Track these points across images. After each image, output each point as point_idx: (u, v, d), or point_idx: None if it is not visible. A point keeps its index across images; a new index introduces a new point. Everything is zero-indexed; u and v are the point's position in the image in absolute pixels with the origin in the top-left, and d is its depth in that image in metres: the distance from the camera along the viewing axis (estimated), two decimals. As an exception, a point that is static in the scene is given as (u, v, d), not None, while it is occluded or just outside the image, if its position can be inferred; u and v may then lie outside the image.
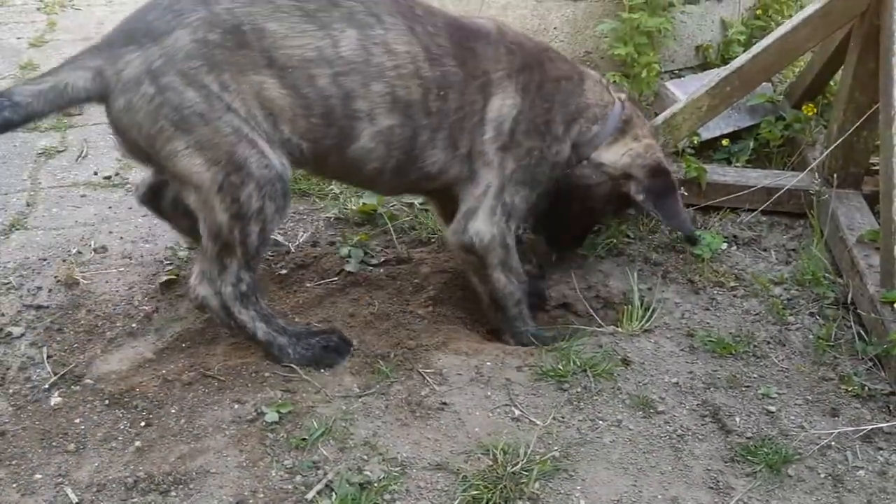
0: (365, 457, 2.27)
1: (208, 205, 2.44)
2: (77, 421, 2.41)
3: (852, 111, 3.31)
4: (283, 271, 3.13)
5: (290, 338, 2.61)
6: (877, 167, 3.22)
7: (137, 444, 2.33)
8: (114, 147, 3.80)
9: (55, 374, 2.59)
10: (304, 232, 3.35)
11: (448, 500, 2.16)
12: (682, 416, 2.48)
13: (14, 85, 2.36)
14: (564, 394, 2.53)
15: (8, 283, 3.00)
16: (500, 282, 2.80)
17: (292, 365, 2.58)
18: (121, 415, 2.43)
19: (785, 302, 3.02)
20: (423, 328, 2.83)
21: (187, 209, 2.56)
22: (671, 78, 4.19)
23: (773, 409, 2.53)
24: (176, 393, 2.50)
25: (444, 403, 2.46)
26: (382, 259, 3.22)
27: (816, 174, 3.44)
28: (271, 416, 2.38)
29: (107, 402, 2.48)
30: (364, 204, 3.44)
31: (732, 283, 3.12)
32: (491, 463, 2.25)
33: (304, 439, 2.31)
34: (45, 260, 3.14)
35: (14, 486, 2.20)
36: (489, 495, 2.15)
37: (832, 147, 3.36)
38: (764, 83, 3.82)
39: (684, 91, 3.75)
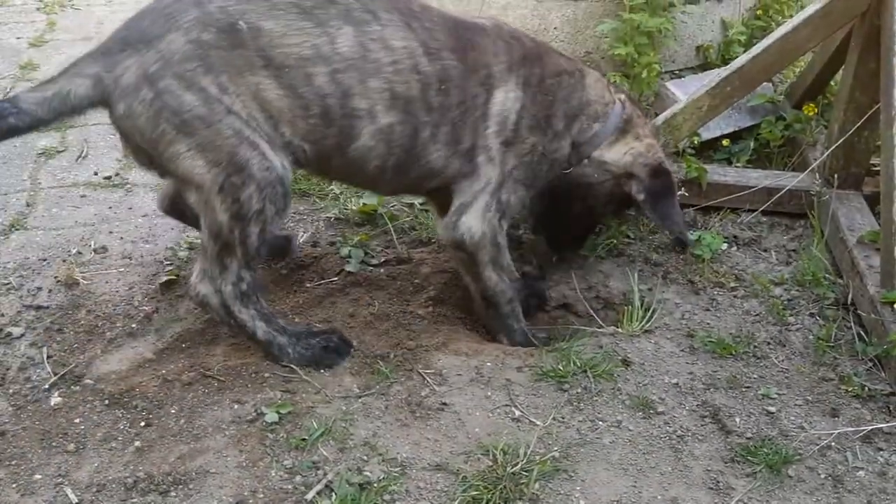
0: (365, 457, 2.27)
1: (209, 205, 2.45)
2: (77, 421, 2.41)
3: (853, 111, 3.30)
4: (284, 271, 3.13)
5: (289, 337, 2.61)
6: (877, 168, 3.22)
7: (137, 444, 2.33)
8: (114, 147, 3.83)
9: (55, 374, 2.59)
10: (304, 232, 3.35)
11: (448, 500, 2.16)
12: (682, 416, 2.48)
13: (20, 93, 2.39)
14: (564, 394, 2.52)
15: (8, 284, 3.00)
16: (492, 280, 2.79)
17: (292, 365, 2.59)
18: (121, 415, 2.43)
19: (785, 302, 3.02)
20: (423, 328, 2.83)
21: None
22: (672, 78, 4.19)
23: (773, 409, 2.53)
24: (176, 393, 2.50)
25: (444, 404, 2.46)
26: (383, 259, 3.22)
27: (817, 175, 3.43)
28: (271, 416, 2.38)
29: (107, 402, 2.48)
30: (364, 204, 3.44)
31: (733, 284, 3.12)
32: (491, 463, 2.25)
33: (303, 440, 2.31)
34: (45, 260, 3.14)
35: (14, 486, 2.20)
36: (489, 496, 2.15)
37: (833, 147, 3.36)
38: (764, 83, 3.82)
39: (685, 91, 3.75)
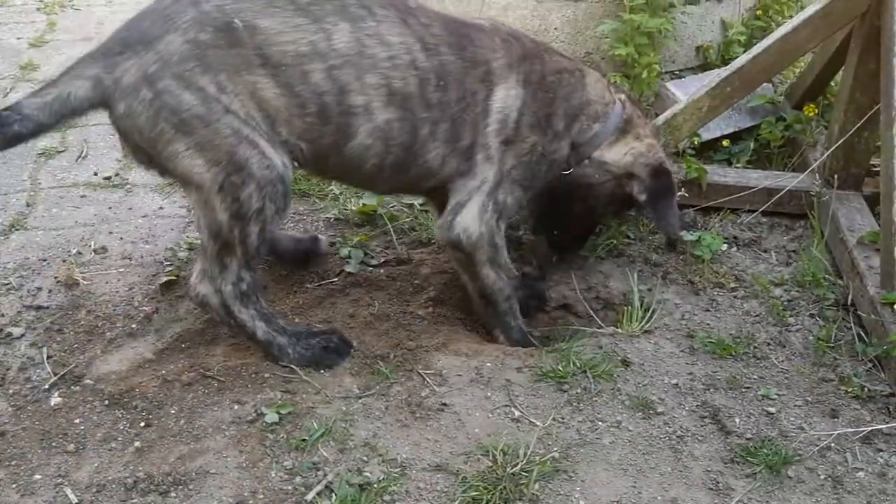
0: (365, 458, 2.27)
1: (209, 204, 2.45)
2: (77, 421, 2.42)
3: (853, 112, 3.30)
4: (284, 272, 3.13)
5: (289, 337, 2.61)
6: (877, 168, 3.22)
7: (137, 444, 2.33)
8: (114, 147, 3.83)
9: (55, 374, 2.59)
10: (304, 233, 3.34)
11: (448, 501, 2.16)
12: (681, 417, 2.48)
13: (21, 99, 2.41)
14: (564, 395, 2.52)
15: (8, 284, 3.00)
16: (490, 278, 2.78)
17: (292, 365, 2.59)
18: (120, 415, 2.44)
19: (785, 303, 3.02)
20: (423, 329, 2.83)
21: None
22: (672, 78, 4.19)
23: (772, 410, 2.53)
24: (176, 393, 2.50)
25: (444, 404, 2.46)
26: (382, 260, 3.22)
27: (817, 175, 3.43)
28: (271, 416, 2.38)
29: (106, 402, 2.48)
30: (364, 205, 3.44)
31: (733, 285, 3.12)
32: (491, 464, 2.25)
33: (303, 440, 2.31)
34: (44, 260, 3.14)
35: (14, 486, 2.20)
36: (489, 496, 2.15)
37: (833, 148, 3.36)
38: (764, 84, 3.81)
39: (685, 92, 3.75)
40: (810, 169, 3.47)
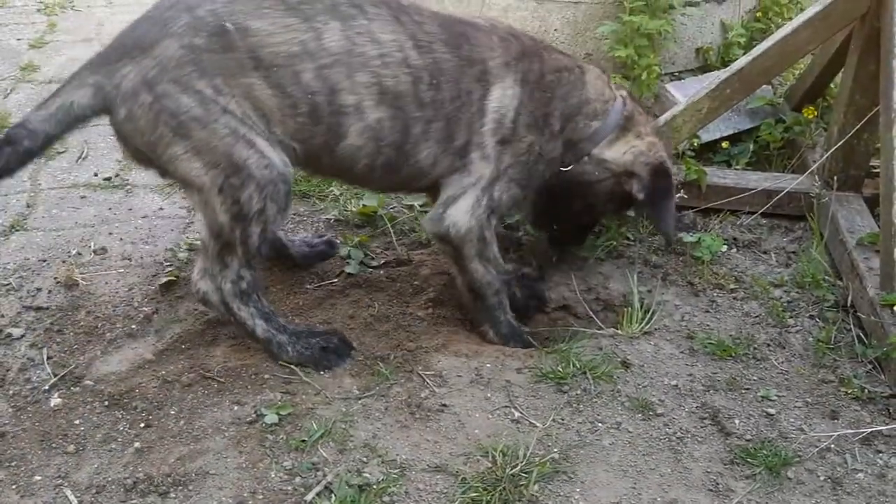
0: (364, 458, 2.27)
1: (209, 205, 2.46)
2: (77, 422, 2.42)
3: (853, 114, 3.30)
4: (283, 273, 3.13)
5: (289, 336, 2.62)
6: (877, 170, 3.22)
7: (137, 445, 2.33)
8: (114, 148, 3.83)
9: (55, 375, 2.59)
10: (304, 233, 3.34)
11: (447, 502, 2.16)
12: (681, 418, 2.48)
13: (26, 115, 2.45)
14: (564, 396, 2.52)
15: (8, 285, 3.00)
16: (479, 272, 2.77)
17: (291, 364, 2.59)
18: (120, 416, 2.44)
19: (785, 304, 3.02)
20: (423, 330, 2.83)
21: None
22: (671, 80, 4.19)
23: (772, 411, 2.53)
24: (175, 394, 2.50)
25: (444, 405, 2.46)
26: (382, 261, 3.22)
27: (816, 177, 3.44)
28: (271, 417, 2.38)
29: (106, 403, 2.48)
30: (364, 206, 3.44)
31: (732, 286, 3.12)
32: (490, 465, 2.25)
33: (303, 441, 2.31)
34: (44, 261, 3.14)
35: (13, 487, 2.20)
36: (488, 497, 2.15)
37: (832, 150, 3.36)
38: (764, 86, 3.82)
39: (684, 93, 3.75)
40: (810, 170, 3.47)
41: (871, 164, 3.41)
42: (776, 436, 2.44)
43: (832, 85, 3.82)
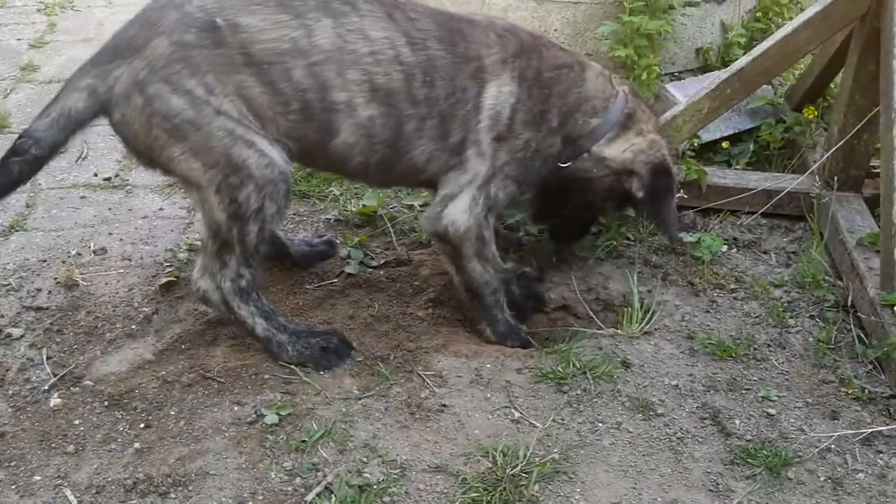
0: (364, 459, 2.27)
1: (208, 203, 2.47)
2: (76, 422, 2.41)
3: (853, 114, 3.30)
4: (283, 273, 3.12)
5: (289, 335, 2.62)
6: (877, 170, 3.22)
7: (137, 445, 2.33)
8: (114, 148, 3.83)
9: (55, 375, 2.59)
10: (304, 233, 3.34)
11: (447, 502, 2.16)
12: (681, 418, 2.48)
13: (30, 124, 2.47)
14: (564, 396, 2.52)
15: (7, 285, 3.00)
16: (476, 271, 2.76)
17: (291, 364, 2.59)
18: (120, 416, 2.43)
19: (785, 304, 3.02)
20: (423, 330, 2.83)
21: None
22: (671, 80, 4.19)
23: (772, 411, 2.53)
24: (175, 395, 2.50)
25: (444, 405, 2.46)
26: (382, 261, 3.22)
27: (817, 177, 3.43)
28: (271, 418, 2.38)
29: (106, 403, 2.48)
30: (364, 206, 3.44)
31: (732, 286, 3.12)
32: (490, 465, 2.25)
33: (303, 441, 2.31)
34: (44, 261, 3.14)
35: (13, 487, 2.20)
36: (489, 497, 2.15)
37: (833, 150, 3.36)
38: (764, 86, 3.82)
39: (684, 93, 3.75)
40: (810, 171, 3.47)
41: (871, 164, 3.41)
42: (776, 436, 2.44)
43: (832, 85, 3.82)
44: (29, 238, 3.29)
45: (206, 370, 2.59)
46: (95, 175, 3.76)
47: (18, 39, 5.35)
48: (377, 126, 2.52)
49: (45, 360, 2.66)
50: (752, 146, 3.81)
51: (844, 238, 3.11)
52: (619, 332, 2.83)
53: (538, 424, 2.41)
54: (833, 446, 2.40)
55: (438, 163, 2.63)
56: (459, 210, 2.64)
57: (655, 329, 2.86)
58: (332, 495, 2.15)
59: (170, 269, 3.10)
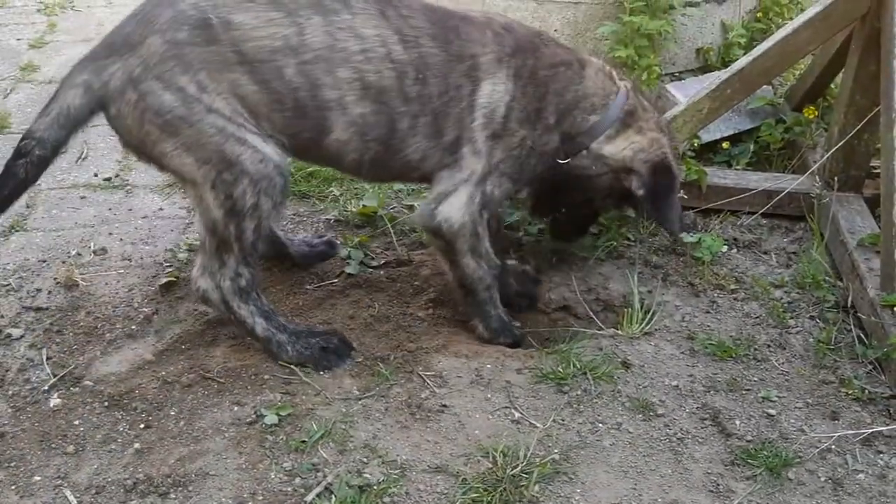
0: (364, 459, 2.27)
1: (203, 201, 2.48)
2: (76, 423, 2.41)
3: (853, 114, 3.30)
4: (283, 273, 3.12)
5: (289, 335, 2.62)
6: (878, 170, 3.22)
7: (137, 445, 2.33)
8: (114, 149, 3.83)
9: (54, 375, 2.59)
10: (304, 234, 3.34)
11: (448, 502, 2.16)
12: (682, 419, 2.48)
13: (31, 125, 2.48)
14: (564, 396, 2.52)
15: (7, 285, 3.00)
16: (470, 267, 2.75)
17: (290, 364, 2.59)
18: (120, 416, 2.43)
19: (785, 305, 3.02)
20: (423, 330, 2.83)
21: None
22: (672, 80, 4.19)
23: (773, 412, 2.53)
24: (175, 395, 2.50)
25: (444, 406, 2.46)
26: (382, 261, 3.22)
27: (817, 177, 3.43)
28: (271, 418, 2.38)
29: (106, 403, 2.48)
30: (364, 206, 3.44)
31: (733, 287, 3.12)
32: (491, 465, 2.25)
33: (303, 442, 2.31)
34: (44, 262, 3.14)
35: (13, 487, 2.20)
36: (489, 498, 2.15)
37: (833, 150, 3.36)
38: (764, 86, 3.82)
39: (685, 93, 3.75)
40: (810, 171, 3.47)
41: (871, 164, 3.41)
42: (777, 436, 2.44)
43: (833, 85, 3.82)
44: (29, 238, 3.29)
45: (206, 370, 2.59)
46: (95, 175, 3.76)
47: (18, 39, 5.36)
48: (369, 123, 2.53)
49: (44, 360, 2.66)
50: (752, 146, 3.81)
51: (845, 238, 3.11)
52: (620, 332, 2.83)
53: (538, 425, 2.41)
54: (833, 447, 2.40)
55: (433, 160, 2.63)
56: (454, 207, 2.63)
57: (656, 329, 2.86)
58: (332, 496, 2.15)
59: (170, 270, 3.10)
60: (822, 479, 2.31)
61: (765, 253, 3.33)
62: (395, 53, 2.49)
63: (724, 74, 3.41)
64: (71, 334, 2.78)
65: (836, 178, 3.35)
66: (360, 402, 2.47)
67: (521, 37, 2.69)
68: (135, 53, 2.37)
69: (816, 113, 3.75)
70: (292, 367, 2.59)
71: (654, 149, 2.78)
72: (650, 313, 2.90)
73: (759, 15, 4.57)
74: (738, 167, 3.75)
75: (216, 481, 2.20)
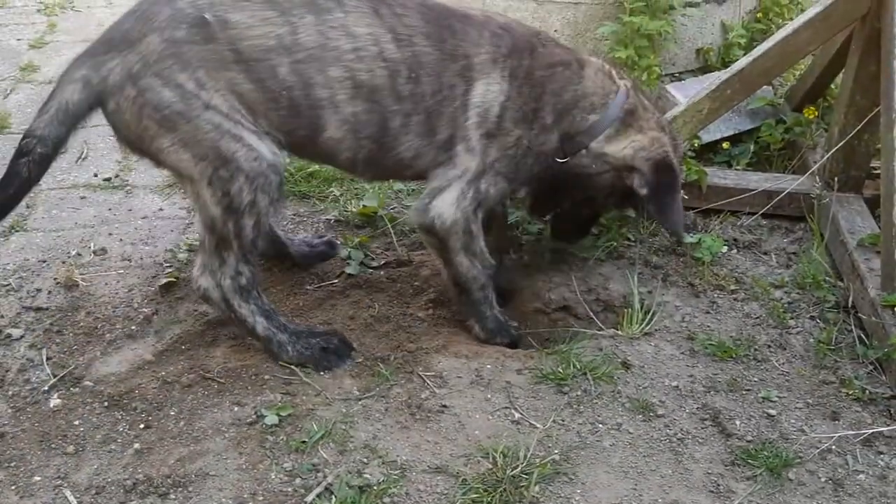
0: (365, 460, 2.27)
1: (201, 198, 2.49)
2: (76, 423, 2.41)
3: (853, 114, 3.30)
4: (283, 273, 3.12)
5: (290, 335, 2.62)
6: (878, 171, 3.22)
7: (136, 446, 2.33)
8: (114, 149, 3.83)
9: (54, 375, 2.59)
10: (304, 234, 3.34)
11: (448, 503, 2.16)
12: (682, 419, 2.48)
13: (31, 124, 2.48)
14: (564, 397, 2.52)
15: (7, 285, 3.00)
16: (464, 265, 2.74)
17: (291, 364, 2.59)
18: (120, 417, 2.43)
19: (785, 305, 3.02)
20: (424, 331, 2.83)
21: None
22: (672, 81, 4.19)
23: (773, 412, 2.53)
24: (175, 395, 2.50)
25: (444, 406, 2.46)
26: (383, 261, 3.22)
27: (817, 177, 3.43)
28: (271, 418, 2.38)
29: (106, 404, 2.48)
30: (364, 206, 3.44)
31: (733, 287, 3.12)
32: (491, 466, 2.25)
33: (303, 442, 2.31)
34: (44, 262, 3.14)
35: (13, 487, 2.19)
36: (489, 499, 2.15)
37: (833, 150, 3.36)
38: (764, 86, 3.81)
39: (685, 94, 3.75)
40: (810, 171, 3.47)
41: (871, 164, 3.41)
42: (777, 437, 2.43)
43: (833, 86, 3.82)
44: (29, 238, 3.29)
45: (206, 371, 2.59)
46: (95, 175, 3.76)
47: (18, 39, 5.36)
48: (362, 122, 2.53)
49: (44, 360, 2.66)
50: (752, 147, 3.81)
51: (845, 239, 3.11)
52: (620, 332, 2.83)
53: (538, 425, 2.41)
54: (834, 447, 2.40)
55: (427, 158, 2.63)
56: (447, 203, 2.63)
57: (656, 330, 2.85)
58: (333, 496, 2.15)
59: (170, 270, 3.10)
60: (823, 479, 2.31)
61: (765, 253, 3.33)
62: (387, 52, 2.50)
63: (724, 75, 3.41)
64: (71, 334, 2.78)
65: (836, 179, 3.35)
66: (360, 403, 2.47)
67: (519, 37, 2.68)
68: (134, 50, 2.38)
69: (816, 113, 3.74)
70: (292, 367, 2.59)
71: (655, 147, 2.76)
72: (650, 314, 2.90)
73: (759, 15, 4.57)
74: (738, 167, 3.75)
75: (216, 482, 2.20)
